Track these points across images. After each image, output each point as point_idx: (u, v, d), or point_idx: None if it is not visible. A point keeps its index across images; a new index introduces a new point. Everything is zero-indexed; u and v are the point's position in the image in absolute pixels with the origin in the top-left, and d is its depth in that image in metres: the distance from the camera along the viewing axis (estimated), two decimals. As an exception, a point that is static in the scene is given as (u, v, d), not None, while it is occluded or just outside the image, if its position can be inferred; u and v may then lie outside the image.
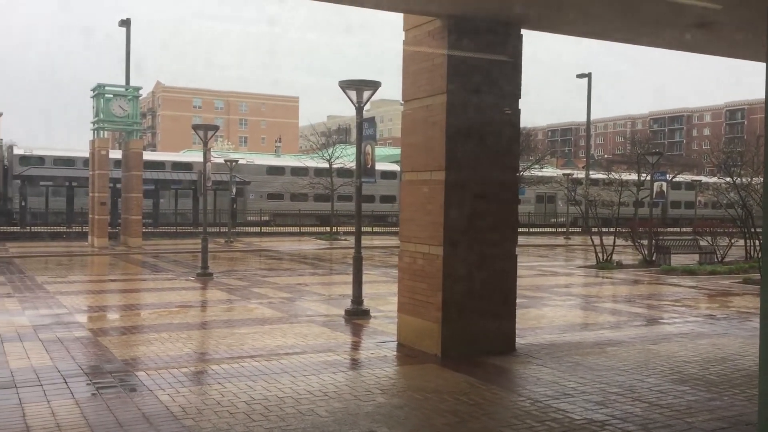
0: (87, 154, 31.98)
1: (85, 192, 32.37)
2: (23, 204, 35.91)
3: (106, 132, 29.83)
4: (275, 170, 44.58)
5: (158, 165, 41.01)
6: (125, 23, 31.24)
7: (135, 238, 28.71)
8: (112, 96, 28.88)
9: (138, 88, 30.27)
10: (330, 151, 37.34)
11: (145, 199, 32.12)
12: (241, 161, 42.99)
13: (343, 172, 36.28)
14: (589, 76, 41.94)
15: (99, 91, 28.71)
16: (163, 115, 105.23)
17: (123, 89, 29.73)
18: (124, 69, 31.01)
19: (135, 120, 29.83)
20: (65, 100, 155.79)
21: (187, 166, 40.90)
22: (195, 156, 40.83)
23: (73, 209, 36.03)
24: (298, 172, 42.14)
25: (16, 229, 34.34)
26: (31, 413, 6.12)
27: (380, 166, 41.74)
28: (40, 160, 38.62)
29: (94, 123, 29.21)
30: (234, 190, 34.25)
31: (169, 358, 8.50)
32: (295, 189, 41.20)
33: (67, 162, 37.95)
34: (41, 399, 6.58)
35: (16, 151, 38.90)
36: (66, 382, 7.21)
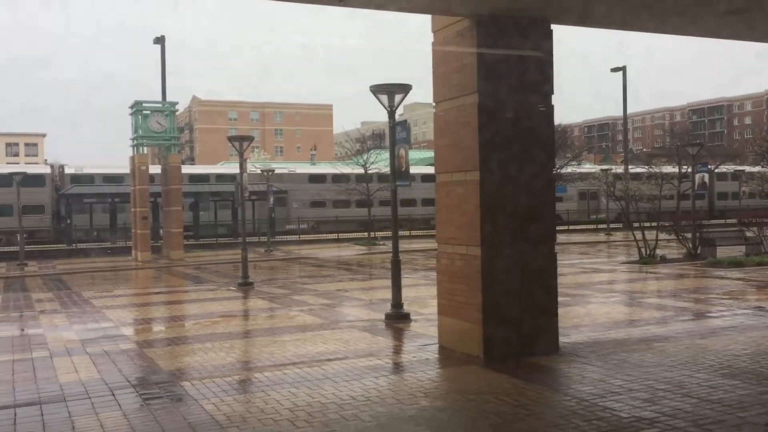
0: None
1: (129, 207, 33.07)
2: (68, 221, 36.83)
3: (145, 148, 30.40)
4: (317, 178, 44.79)
5: (202, 178, 41.82)
6: (160, 40, 31.85)
7: (177, 250, 29.17)
8: (149, 112, 29.43)
9: (174, 103, 30.83)
10: (365, 156, 37.44)
11: (185, 212, 32.67)
12: (282, 170, 43.77)
13: (384, 177, 36.31)
14: (623, 69, 41.35)
15: (137, 108, 29.30)
16: (200, 129, 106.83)
17: (160, 105, 30.29)
18: (160, 85, 31.64)
19: (173, 134, 30.35)
20: (106, 117, 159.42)
21: (231, 178, 41.38)
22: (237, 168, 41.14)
23: (116, 225, 36.81)
24: (339, 179, 42.22)
25: (63, 246, 35.20)
26: (80, 426, 6.24)
27: (420, 170, 41.90)
28: (90, 178, 39.69)
29: (133, 139, 29.80)
30: (272, 200, 34.54)
31: (213, 367, 8.59)
32: (337, 196, 41.27)
33: (116, 179, 38.70)
34: (90, 412, 6.71)
35: (68, 170, 40.07)
36: (113, 395, 7.34)
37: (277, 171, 43.26)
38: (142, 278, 23.53)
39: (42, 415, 6.67)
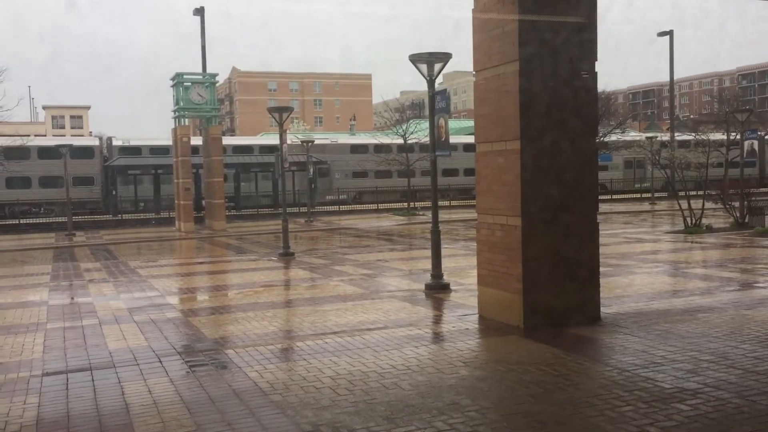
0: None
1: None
2: (114, 192, 37.62)
3: (186, 119, 30.75)
4: (359, 148, 44.73)
5: (246, 149, 42.23)
6: (199, 12, 31.98)
7: (219, 221, 29.62)
8: (190, 84, 29.69)
9: (214, 75, 31.03)
10: (404, 126, 37.26)
11: (227, 183, 33.09)
12: (325, 141, 44.00)
13: (425, 147, 36.19)
14: (670, 33, 40.16)
15: (178, 80, 29.58)
16: (240, 100, 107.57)
17: (200, 77, 30.53)
18: (200, 57, 31.85)
19: (213, 106, 30.61)
20: (148, 90, 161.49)
21: (274, 149, 41.66)
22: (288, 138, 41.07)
23: (160, 196, 37.47)
24: (381, 149, 42.07)
25: (109, 217, 36.04)
26: (129, 391, 6.44)
27: (462, 139, 41.63)
28: (137, 149, 40.35)
29: (174, 111, 30.15)
30: (312, 170, 34.71)
31: (256, 336, 8.75)
32: (378, 166, 41.15)
33: (162, 150, 39.15)
34: (138, 378, 6.92)
35: (115, 142, 40.83)
36: (160, 362, 7.55)
37: (319, 142, 43.58)
38: (185, 248, 23.99)
39: (93, 380, 6.90)
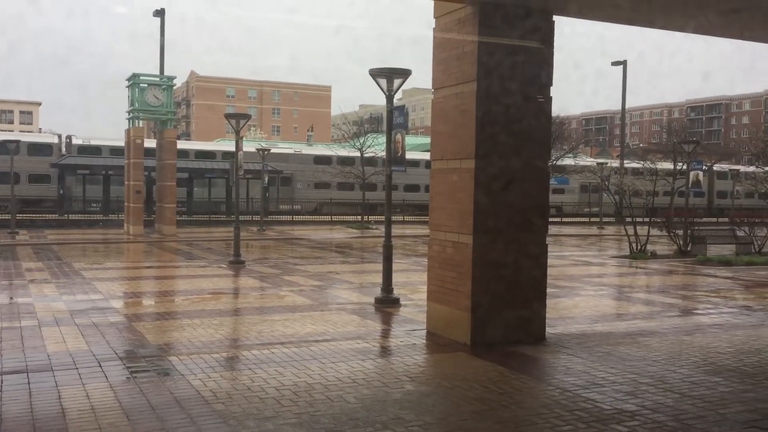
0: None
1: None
2: (61, 192, 36.68)
3: (141, 121, 30.24)
4: (322, 159, 44.63)
5: (209, 155, 41.89)
6: (160, 13, 31.59)
7: (169, 225, 29.12)
8: (146, 85, 29.23)
9: (172, 78, 30.60)
10: (362, 140, 37.35)
11: (179, 188, 32.61)
12: (288, 150, 44.17)
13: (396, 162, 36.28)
14: (624, 63, 41.28)
15: (134, 81, 29.10)
16: (197, 105, 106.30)
17: (157, 79, 30.07)
18: (159, 59, 31.43)
19: (169, 109, 30.18)
20: (102, 89, 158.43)
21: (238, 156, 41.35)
22: (250, 146, 40.75)
23: (109, 197, 36.71)
24: (344, 161, 42.07)
25: (54, 216, 35.09)
26: (66, 396, 6.27)
27: (426, 156, 42.03)
28: (97, 149, 39.61)
29: (129, 112, 29.63)
30: (266, 179, 34.49)
31: (201, 343, 8.62)
32: (341, 179, 41.09)
33: (121, 151, 38.54)
34: (77, 382, 6.74)
35: (75, 141, 40.04)
36: (101, 366, 7.37)
37: (283, 151, 43.90)
38: (133, 252, 23.52)
39: (29, 383, 6.69)
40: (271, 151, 38.07)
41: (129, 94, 29.59)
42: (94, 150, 39.50)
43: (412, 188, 42.83)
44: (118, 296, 12.88)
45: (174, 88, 31.19)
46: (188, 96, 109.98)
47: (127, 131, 29.92)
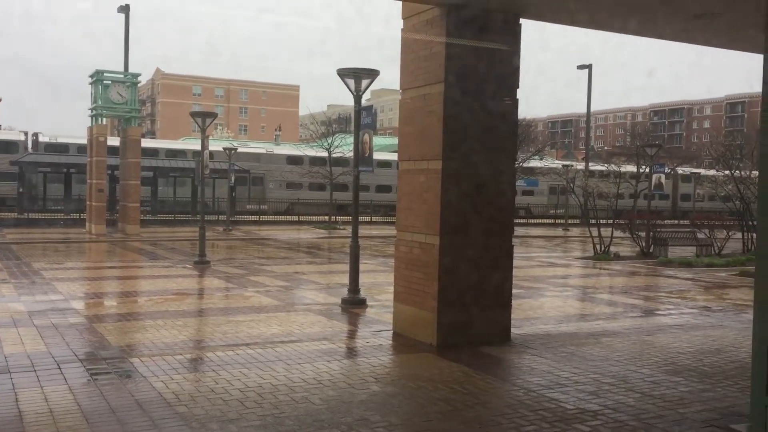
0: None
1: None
2: (20, 190, 35.91)
3: (104, 119, 29.74)
4: (295, 160, 44.48)
5: (177, 153, 41.55)
6: (124, 9, 31.09)
7: (133, 225, 28.69)
8: (110, 82, 28.75)
9: (137, 75, 30.16)
10: (330, 140, 37.24)
11: (143, 187, 32.19)
12: (260, 150, 44.33)
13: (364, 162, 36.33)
14: (589, 67, 41.78)
15: (97, 78, 28.60)
16: (162, 103, 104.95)
17: (122, 76, 29.61)
18: (123, 55, 30.93)
19: (134, 107, 29.73)
20: (64, 86, 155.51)
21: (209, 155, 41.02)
22: (219, 145, 40.38)
23: (71, 196, 36.07)
24: (316, 161, 41.97)
25: (13, 215, 34.33)
26: (24, 398, 6.12)
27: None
28: (64, 147, 38.93)
29: (92, 109, 29.11)
30: (233, 179, 34.18)
31: (164, 345, 8.49)
32: (309, 179, 41.11)
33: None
34: (35, 384, 6.59)
35: (42, 138, 39.30)
36: (60, 368, 7.21)
37: (254, 150, 44.06)
38: (95, 251, 23.11)
39: (-16, 386, 6.52)
40: (243, 150, 38.25)
41: (92, 91, 29.07)
42: (62, 147, 38.92)
43: (384, 189, 42.93)
44: (78, 297, 12.63)
45: (139, 85, 30.76)
46: (153, 94, 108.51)
47: (90, 129, 29.39)
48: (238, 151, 34.43)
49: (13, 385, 6.56)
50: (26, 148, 38.44)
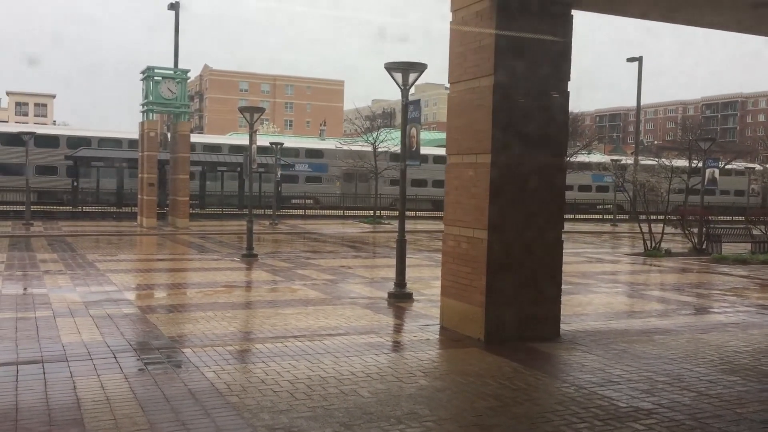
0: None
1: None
2: (75, 184, 36.89)
3: (155, 114, 30.33)
4: (354, 154, 44.91)
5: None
6: (174, 6, 31.64)
7: (182, 218, 29.23)
8: (161, 78, 29.30)
9: (186, 71, 30.66)
10: (375, 134, 37.28)
11: (192, 181, 32.75)
12: (320, 146, 46.71)
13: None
14: (640, 59, 40.98)
15: (148, 74, 29.18)
16: (210, 98, 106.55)
17: (172, 72, 30.15)
18: (173, 52, 31.49)
19: (183, 102, 30.24)
20: (117, 82, 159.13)
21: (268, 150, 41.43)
22: (266, 140, 40.38)
23: (123, 190, 36.92)
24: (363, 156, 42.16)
25: (68, 208, 35.29)
26: (81, 386, 6.29)
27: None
28: (117, 142, 40.36)
29: (143, 105, 29.72)
30: (279, 173, 34.49)
31: (215, 336, 8.63)
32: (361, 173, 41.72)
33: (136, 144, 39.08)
34: (91, 373, 6.76)
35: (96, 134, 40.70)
36: (115, 357, 7.39)
37: (316, 146, 45.10)
38: (146, 244, 23.61)
39: (44, 373, 6.72)
40: (307, 147, 41.47)
41: (143, 87, 29.68)
42: (113, 143, 39.94)
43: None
44: (131, 288, 12.92)
45: (188, 81, 31.26)
46: (201, 89, 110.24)
47: (141, 124, 30.01)
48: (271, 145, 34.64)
49: (71, 372, 6.75)
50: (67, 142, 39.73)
